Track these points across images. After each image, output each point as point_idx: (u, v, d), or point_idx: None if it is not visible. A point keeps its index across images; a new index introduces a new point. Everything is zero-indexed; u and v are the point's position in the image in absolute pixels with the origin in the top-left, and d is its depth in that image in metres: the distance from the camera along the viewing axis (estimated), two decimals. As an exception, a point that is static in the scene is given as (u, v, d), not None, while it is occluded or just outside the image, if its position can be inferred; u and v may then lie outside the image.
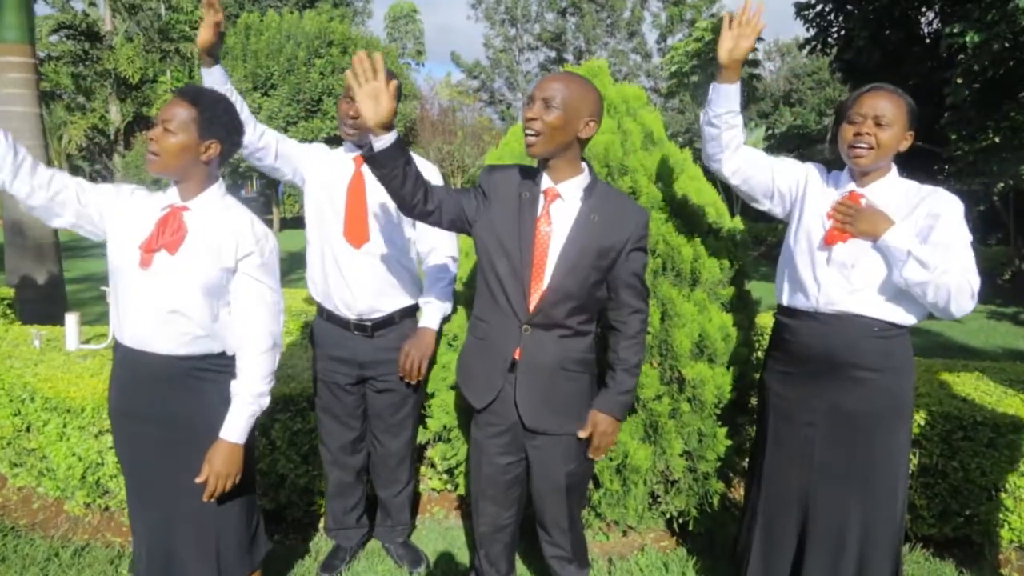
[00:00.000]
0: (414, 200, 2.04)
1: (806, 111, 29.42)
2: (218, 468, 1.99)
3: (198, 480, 1.99)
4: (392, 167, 1.96)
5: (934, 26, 12.64)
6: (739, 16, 2.18)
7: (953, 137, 10.63)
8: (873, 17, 12.61)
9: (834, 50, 14.06)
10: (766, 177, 2.35)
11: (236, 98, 2.44)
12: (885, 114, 2.07)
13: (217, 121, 2.00)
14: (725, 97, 2.24)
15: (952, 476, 2.99)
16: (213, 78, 2.46)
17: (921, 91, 12.83)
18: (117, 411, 2.11)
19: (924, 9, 12.64)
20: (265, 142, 2.61)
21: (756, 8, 2.16)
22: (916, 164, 14.67)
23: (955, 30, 9.39)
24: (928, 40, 12.63)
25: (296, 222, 21.84)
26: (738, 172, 2.35)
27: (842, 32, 13.74)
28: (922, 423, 2.99)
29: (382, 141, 1.92)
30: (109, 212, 2.06)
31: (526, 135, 2.02)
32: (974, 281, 1.97)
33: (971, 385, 3.37)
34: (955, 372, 3.55)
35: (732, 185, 2.40)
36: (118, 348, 2.09)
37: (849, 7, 13.42)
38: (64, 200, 2.01)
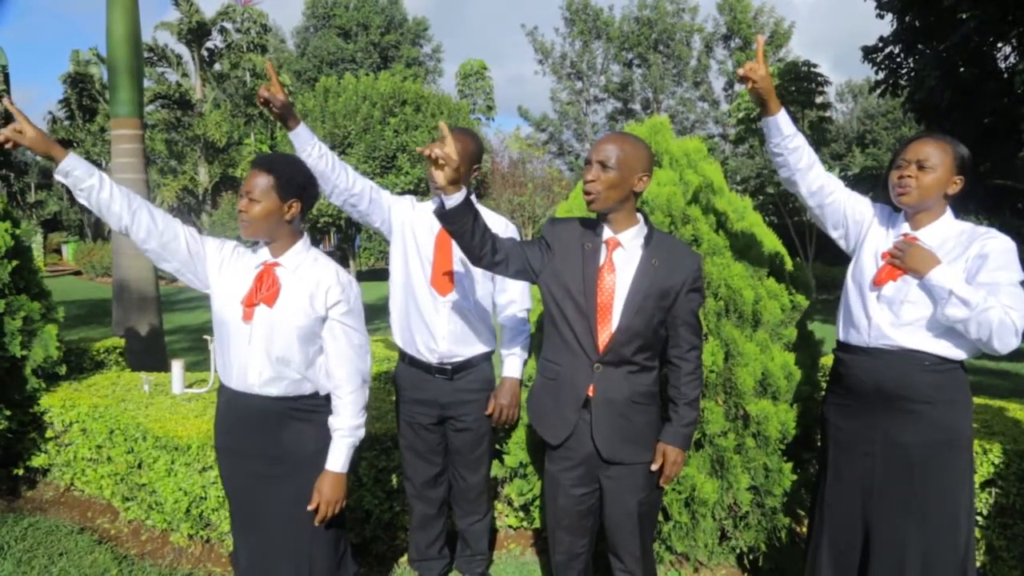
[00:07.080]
0: (482, 252, 2.26)
1: (881, 151, 28.85)
2: (327, 496, 2.22)
3: (310, 507, 2.22)
4: (462, 223, 2.18)
5: (1011, 61, 12.34)
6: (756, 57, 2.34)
7: (1036, 174, 10.34)
8: (945, 56, 12.44)
9: (905, 91, 13.89)
10: (840, 206, 2.48)
11: (325, 151, 2.67)
12: (928, 158, 2.21)
13: (293, 182, 2.24)
14: (774, 127, 2.42)
15: (1032, 516, 2.95)
16: (300, 139, 2.66)
17: (998, 128, 12.53)
18: (222, 448, 2.37)
19: (1000, 44, 12.40)
20: (359, 189, 2.80)
21: (757, 48, 2.34)
22: (1001, 201, 14.24)
23: (1025, 67, 9.26)
24: (1005, 76, 12.35)
25: (371, 275, 22.53)
26: (815, 195, 2.48)
27: (912, 73, 13.58)
28: (997, 462, 2.98)
29: (453, 200, 2.15)
30: (212, 265, 2.32)
31: (586, 194, 2.24)
32: (1017, 319, 2.06)
33: (1049, 424, 3.32)
34: (1032, 411, 3.51)
35: (808, 207, 2.54)
36: (223, 391, 2.35)
37: (920, 46, 13.28)
38: (175, 249, 2.27)
